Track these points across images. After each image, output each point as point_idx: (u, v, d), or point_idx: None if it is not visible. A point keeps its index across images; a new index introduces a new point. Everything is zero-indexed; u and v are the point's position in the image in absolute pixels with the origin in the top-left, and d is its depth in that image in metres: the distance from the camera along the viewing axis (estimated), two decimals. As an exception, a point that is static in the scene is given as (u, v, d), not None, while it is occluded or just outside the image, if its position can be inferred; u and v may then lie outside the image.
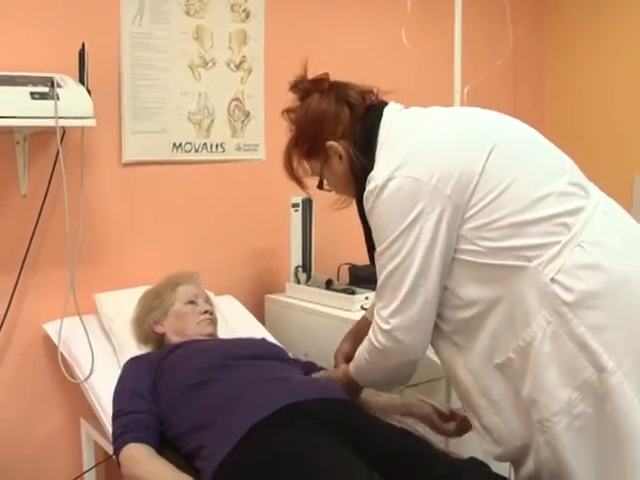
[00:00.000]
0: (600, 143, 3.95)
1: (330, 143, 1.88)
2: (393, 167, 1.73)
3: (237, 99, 3.03)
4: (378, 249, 1.80)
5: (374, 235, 1.82)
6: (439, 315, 1.83)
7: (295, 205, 2.96)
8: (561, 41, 4.13)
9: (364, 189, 1.80)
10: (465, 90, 2.78)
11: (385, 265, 1.78)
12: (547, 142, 1.85)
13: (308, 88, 1.93)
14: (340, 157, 1.90)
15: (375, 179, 1.76)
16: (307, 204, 2.98)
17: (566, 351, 1.65)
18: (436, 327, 1.85)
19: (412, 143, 1.79)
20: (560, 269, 1.66)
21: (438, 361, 2.04)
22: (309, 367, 2.35)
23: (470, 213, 1.71)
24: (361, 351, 1.96)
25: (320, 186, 1.99)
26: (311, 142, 1.91)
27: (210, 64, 2.94)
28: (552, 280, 1.65)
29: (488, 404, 1.82)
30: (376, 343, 1.84)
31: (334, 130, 1.88)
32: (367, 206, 1.80)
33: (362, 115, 1.89)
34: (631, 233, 1.80)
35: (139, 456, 1.93)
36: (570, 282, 1.65)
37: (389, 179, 1.72)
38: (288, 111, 1.97)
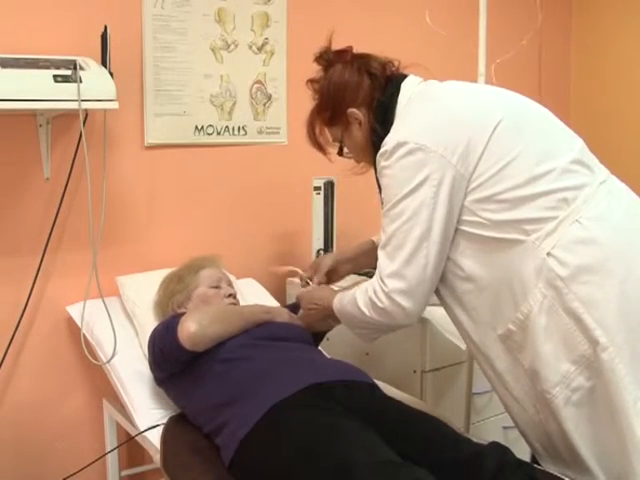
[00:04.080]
0: (626, 124, 3.90)
1: (351, 110, 1.95)
2: (404, 134, 1.80)
3: (259, 82, 3.02)
4: (384, 210, 1.86)
5: (382, 195, 1.88)
6: (448, 285, 1.88)
7: (317, 188, 2.95)
8: (589, 21, 4.07)
9: None
10: (492, 67, 2.75)
11: (389, 224, 1.84)
12: (557, 121, 1.89)
13: (332, 59, 2.00)
14: (360, 124, 1.97)
15: (387, 144, 1.83)
16: (329, 187, 2.97)
17: (562, 325, 1.71)
18: (443, 296, 1.92)
19: (423, 114, 1.86)
20: (556, 244, 1.71)
21: (460, 345, 2.05)
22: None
23: (474, 185, 1.77)
24: (356, 301, 1.95)
25: (340, 152, 2.06)
26: (333, 109, 1.99)
27: (232, 46, 2.93)
28: (548, 254, 1.71)
29: (495, 376, 1.88)
30: (378, 302, 1.86)
31: (355, 98, 1.96)
32: (378, 167, 1.88)
33: (382, 85, 1.96)
34: (635, 211, 1.83)
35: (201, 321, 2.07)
36: (565, 256, 1.70)
37: (399, 144, 1.79)
38: (312, 81, 2.04)
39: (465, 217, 1.80)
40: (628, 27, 3.88)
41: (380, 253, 1.88)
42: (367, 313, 1.90)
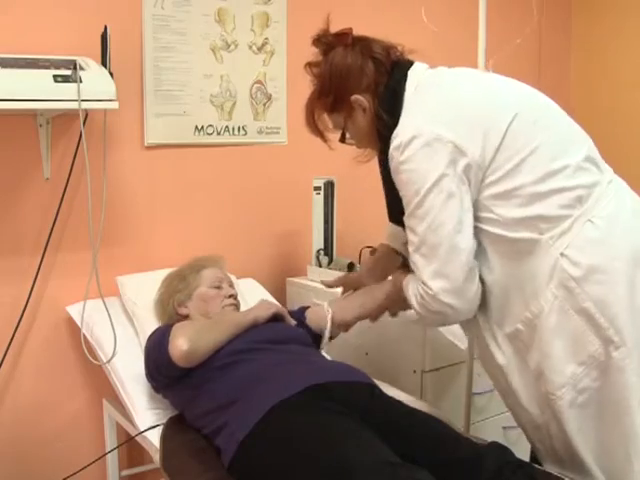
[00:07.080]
0: (626, 123, 3.90)
1: (355, 97, 1.86)
2: (418, 125, 1.73)
3: (259, 82, 3.02)
4: (408, 210, 1.78)
5: (402, 194, 1.79)
6: None
7: (317, 188, 2.95)
8: (589, 20, 4.07)
9: (387, 145, 1.78)
10: (487, 64, 2.74)
11: (419, 224, 1.75)
12: (568, 118, 1.85)
13: (331, 42, 1.90)
14: (364, 110, 1.88)
15: (400, 136, 1.74)
16: (329, 187, 2.97)
17: (572, 325, 1.69)
18: None
19: (437, 103, 1.78)
20: (570, 244, 1.69)
21: (460, 345, 2.05)
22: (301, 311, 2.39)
23: (490, 179, 1.71)
24: (410, 301, 1.86)
25: (342, 139, 1.96)
26: (336, 96, 1.89)
27: (232, 46, 2.93)
28: (561, 254, 1.68)
29: (500, 375, 1.86)
30: (428, 306, 1.79)
31: (359, 84, 1.86)
32: (392, 164, 1.78)
33: (387, 71, 1.87)
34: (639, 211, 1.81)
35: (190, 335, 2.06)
36: (578, 257, 1.68)
37: (414, 136, 1.71)
38: (311, 65, 1.95)
39: (480, 213, 1.74)
40: (628, 26, 3.88)
41: (415, 256, 1.79)
42: (422, 313, 1.82)
